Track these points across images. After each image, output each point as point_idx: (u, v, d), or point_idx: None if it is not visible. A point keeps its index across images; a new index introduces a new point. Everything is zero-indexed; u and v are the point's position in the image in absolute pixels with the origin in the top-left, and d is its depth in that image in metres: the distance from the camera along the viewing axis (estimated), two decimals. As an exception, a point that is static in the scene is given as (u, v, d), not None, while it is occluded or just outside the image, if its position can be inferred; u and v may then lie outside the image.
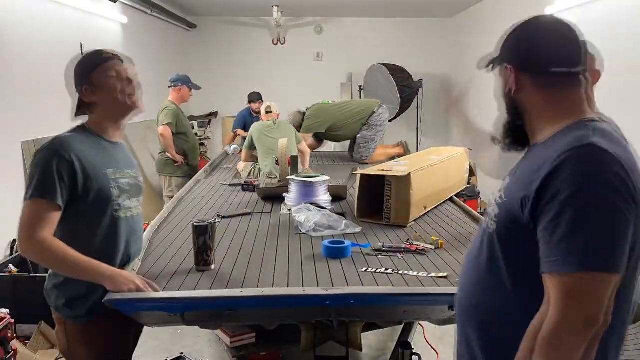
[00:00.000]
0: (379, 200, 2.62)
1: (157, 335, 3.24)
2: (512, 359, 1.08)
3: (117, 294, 1.60)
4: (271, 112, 4.46)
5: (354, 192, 2.91)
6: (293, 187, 2.93)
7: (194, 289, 1.75)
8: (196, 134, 6.55)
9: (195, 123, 7.41)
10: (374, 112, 4.87)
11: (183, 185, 3.82)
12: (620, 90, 3.60)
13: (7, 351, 2.53)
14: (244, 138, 4.76)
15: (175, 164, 4.55)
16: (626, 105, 3.53)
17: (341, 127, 4.87)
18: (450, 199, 3.15)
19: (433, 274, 1.90)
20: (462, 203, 3.04)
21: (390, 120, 7.22)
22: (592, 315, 0.99)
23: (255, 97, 6.00)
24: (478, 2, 6.62)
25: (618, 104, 3.62)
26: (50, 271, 1.77)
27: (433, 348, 3.10)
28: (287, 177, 3.09)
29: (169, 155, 4.52)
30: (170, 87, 4.66)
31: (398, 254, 2.11)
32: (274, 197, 3.12)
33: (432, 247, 2.20)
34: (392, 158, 4.55)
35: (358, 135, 4.87)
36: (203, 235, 1.90)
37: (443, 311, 1.82)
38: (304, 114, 4.89)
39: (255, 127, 4.26)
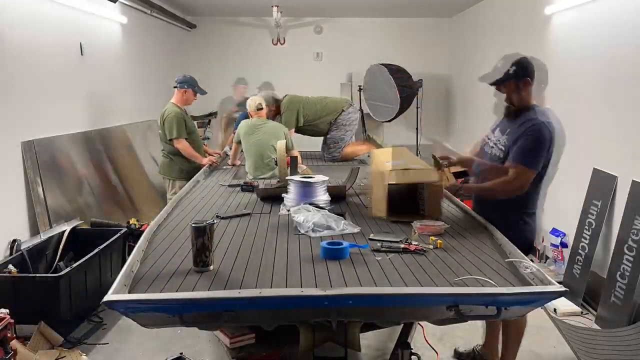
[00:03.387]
0: (403, 199, 2.69)
1: (157, 335, 3.25)
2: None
3: (114, 295, 1.61)
4: (262, 109, 4.42)
5: (354, 194, 2.88)
6: (292, 188, 2.93)
7: (192, 290, 1.75)
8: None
9: (194, 123, 7.41)
10: (342, 111, 4.93)
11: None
12: (621, 88, 3.60)
13: (7, 351, 2.53)
14: None
15: (211, 166, 4.54)
16: (627, 102, 3.53)
17: (314, 121, 4.98)
18: (450, 199, 3.15)
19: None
20: (461, 203, 3.04)
21: (389, 120, 7.24)
22: (522, 185, 2.45)
23: None
24: (478, 2, 6.62)
25: (619, 101, 3.62)
26: None
27: (433, 348, 3.10)
28: (287, 178, 3.09)
29: (204, 162, 4.50)
30: (175, 87, 4.53)
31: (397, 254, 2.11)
32: (273, 197, 3.12)
33: (431, 246, 2.20)
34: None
35: (327, 136, 5.03)
36: (201, 237, 1.90)
37: (441, 311, 1.82)
38: (277, 100, 4.96)
39: (242, 124, 4.37)
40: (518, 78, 2.48)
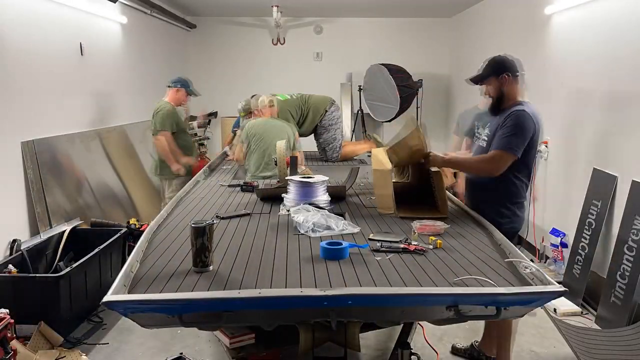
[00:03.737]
0: (411, 195, 2.79)
1: (157, 335, 3.25)
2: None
3: (114, 295, 1.61)
4: (273, 105, 4.39)
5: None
6: (292, 188, 2.93)
7: (192, 290, 1.75)
8: (196, 134, 6.57)
9: (195, 123, 7.42)
10: (326, 111, 4.93)
11: (184, 184, 3.82)
12: (621, 88, 3.60)
13: (7, 351, 2.53)
14: None
15: (175, 169, 4.56)
16: (627, 102, 3.53)
17: (301, 124, 4.97)
18: (450, 200, 3.15)
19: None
20: (461, 202, 3.05)
21: (389, 120, 7.24)
22: (496, 167, 2.54)
23: None
24: (478, 2, 6.62)
25: (619, 101, 3.62)
26: None
27: (432, 348, 3.11)
28: (286, 178, 3.09)
29: (173, 168, 4.54)
30: (168, 86, 4.64)
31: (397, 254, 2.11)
32: (273, 197, 3.12)
33: (431, 246, 2.20)
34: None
35: (320, 140, 5.03)
36: (201, 237, 1.90)
37: (441, 311, 1.82)
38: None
39: (251, 124, 4.30)
40: (495, 74, 2.61)
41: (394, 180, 2.81)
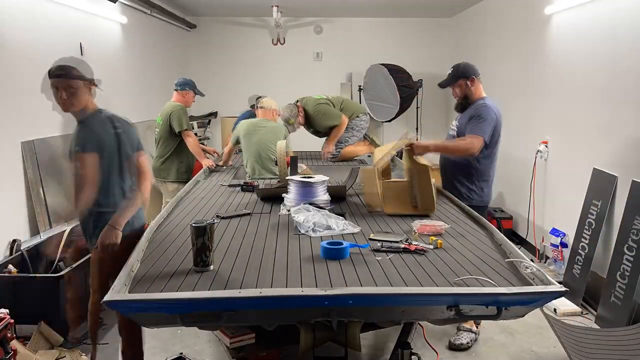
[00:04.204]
0: (399, 194, 2.87)
1: (157, 335, 3.25)
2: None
3: (114, 295, 1.61)
4: (263, 107, 4.42)
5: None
6: (292, 188, 2.93)
7: (193, 290, 1.75)
8: (196, 134, 6.58)
9: (195, 123, 7.42)
10: (356, 116, 4.93)
11: (178, 190, 3.80)
12: (620, 88, 3.60)
13: (7, 351, 2.53)
14: None
15: (216, 166, 4.51)
16: (627, 102, 3.53)
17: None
18: (450, 199, 3.16)
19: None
20: (461, 203, 3.05)
21: (389, 120, 7.24)
22: (472, 148, 3.02)
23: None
24: (478, 2, 6.62)
25: (619, 101, 3.62)
26: None
27: (433, 348, 3.11)
28: (287, 178, 3.09)
29: (204, 163, 4.47)
30: (176, 89, 4.62)
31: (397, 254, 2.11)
32: (273, 197, 3.12)
33: (431, 246, 2.20)
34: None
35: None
36: (202, 236, 1.90)
37: (441, 311, 1.82)
38: (297, 106, 4.89)
39: (242, 124, 4.33)
40: (463, 77, 3.16)
41: (395, 180, 2.83)
